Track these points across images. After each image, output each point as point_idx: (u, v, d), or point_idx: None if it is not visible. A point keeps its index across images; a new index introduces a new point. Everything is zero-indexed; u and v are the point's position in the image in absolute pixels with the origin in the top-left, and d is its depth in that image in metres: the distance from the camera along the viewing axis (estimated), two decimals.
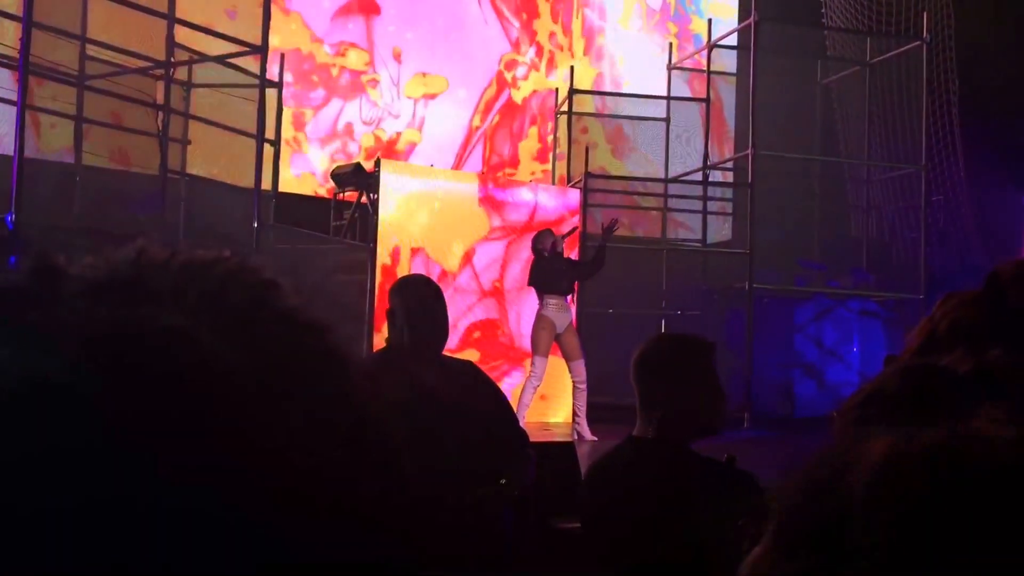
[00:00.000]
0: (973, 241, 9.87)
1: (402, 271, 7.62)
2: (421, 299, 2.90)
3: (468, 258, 8.21)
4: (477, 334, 8.27)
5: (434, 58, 10.20)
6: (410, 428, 2.37)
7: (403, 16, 10.07)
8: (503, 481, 2.66)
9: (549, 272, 7.44)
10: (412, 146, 10.07)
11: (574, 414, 7.62)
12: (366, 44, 9.96)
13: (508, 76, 10.50)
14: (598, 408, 8.47)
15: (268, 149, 7.50)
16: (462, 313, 7.97)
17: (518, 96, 10.53)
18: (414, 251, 7.90)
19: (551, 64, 10.65)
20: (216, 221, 7.10)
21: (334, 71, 9.83)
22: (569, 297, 7.72)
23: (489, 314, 8.39)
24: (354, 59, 9.93)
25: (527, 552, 2.90)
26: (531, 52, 10.63)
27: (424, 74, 10.18)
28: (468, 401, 2.78)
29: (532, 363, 7.55)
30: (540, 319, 7.51)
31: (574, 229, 8.46)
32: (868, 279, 9.77)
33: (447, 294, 3.23)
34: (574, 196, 8.84)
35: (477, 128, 10.35)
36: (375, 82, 9.95)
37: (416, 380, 2.76)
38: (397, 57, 10.04)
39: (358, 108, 9.91)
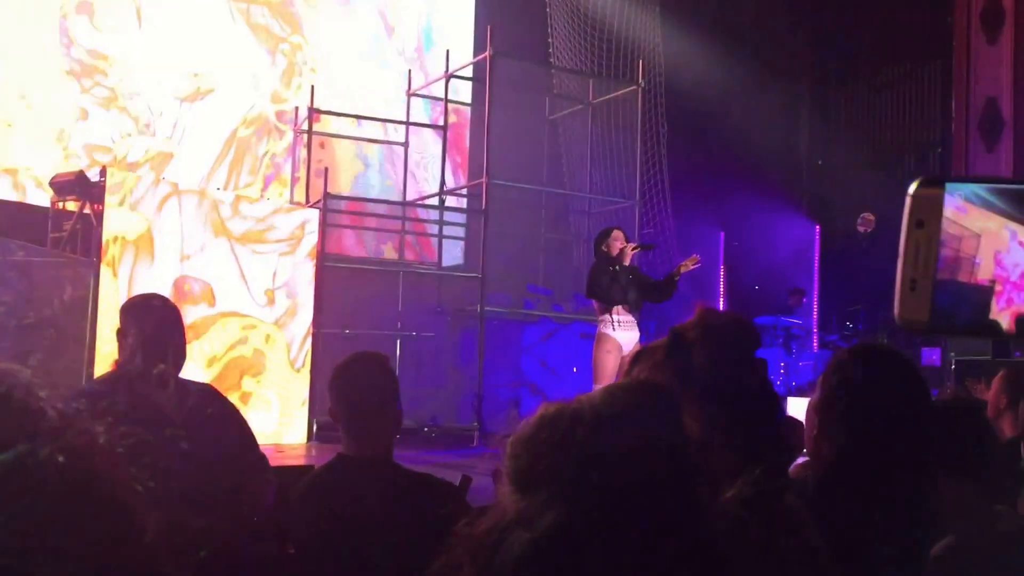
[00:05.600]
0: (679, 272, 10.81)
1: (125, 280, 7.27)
2: (157, 321, 2.84)
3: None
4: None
5: (198, 63, 9.88)
6: (144, 454, 2.35)
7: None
8: (241, 507, 2.66)
9: (615, 281, 6.22)
10: (168, 158, 9.63)
11: None
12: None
13: (256, 91, 10.30)
14: (331, 428, 8.48)
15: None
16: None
17: (264, 112, 10.35)
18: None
19: (296, 82, 10.56)
20: None
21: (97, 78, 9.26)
22: (636, 315, 6.39)
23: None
24: (118, 70, 9.41)
25: None
26: (280, 67, 10.49)
27: (196, 74, 9.82)
28: (206, 425, 2.76)
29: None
30: (603, 340, 6.26)
31: (651, 246, 7.16)
32: (589, 304, 10.47)
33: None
34: (312, 216, 8.83)
35: (228, 143, 10.07)
36: (134, 95, 9.47)
37: (150, 403, 2.71)
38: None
39: (112, 119, 9.37)
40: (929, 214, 0.88)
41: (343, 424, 2.46)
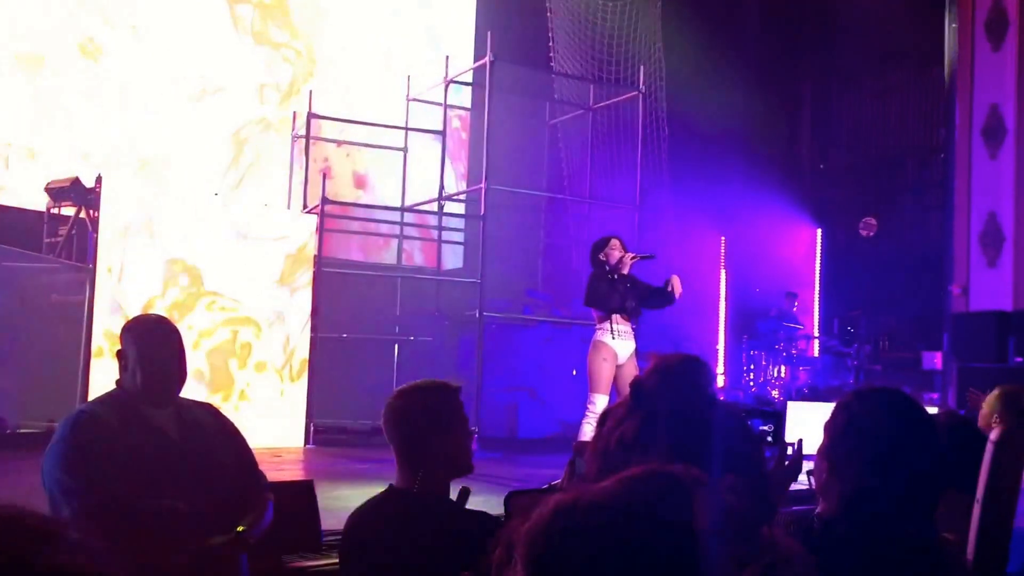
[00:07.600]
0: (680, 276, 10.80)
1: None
2: (157, 342, 2.79)
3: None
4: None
5: (199, 66, 9.81)
6: (145, 473, 2.31)
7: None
8: (240, 528, 2.62)
9: (613, 289, 6.20)
10: (168, 159, 9.58)
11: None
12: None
13: (257, 95, 10.26)
14: (328, 431, 8.45)
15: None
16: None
17: (265, 117, 10.30)
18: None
19: (296, 87, 10.52)
20: None
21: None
22: (634, 324, 6.33)
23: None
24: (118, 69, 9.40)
25: None
26: (280, 72, 10.45)
27: (198, 76, 9.80)
28: (205, 445, 2.73)
29: (590, 400, 6.20)
30: (599, 348, 6.24)
31: (651, 256, 6.88)
32: (587, 309, 10.43)
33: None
34: (310, 221, 8.79)
35: (228, 147, 10.03)
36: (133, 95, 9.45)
37: (150, 424, 2.68)
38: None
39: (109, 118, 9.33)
40: (1013, 460, 0.89)
41: (396, 454, 2.34)
